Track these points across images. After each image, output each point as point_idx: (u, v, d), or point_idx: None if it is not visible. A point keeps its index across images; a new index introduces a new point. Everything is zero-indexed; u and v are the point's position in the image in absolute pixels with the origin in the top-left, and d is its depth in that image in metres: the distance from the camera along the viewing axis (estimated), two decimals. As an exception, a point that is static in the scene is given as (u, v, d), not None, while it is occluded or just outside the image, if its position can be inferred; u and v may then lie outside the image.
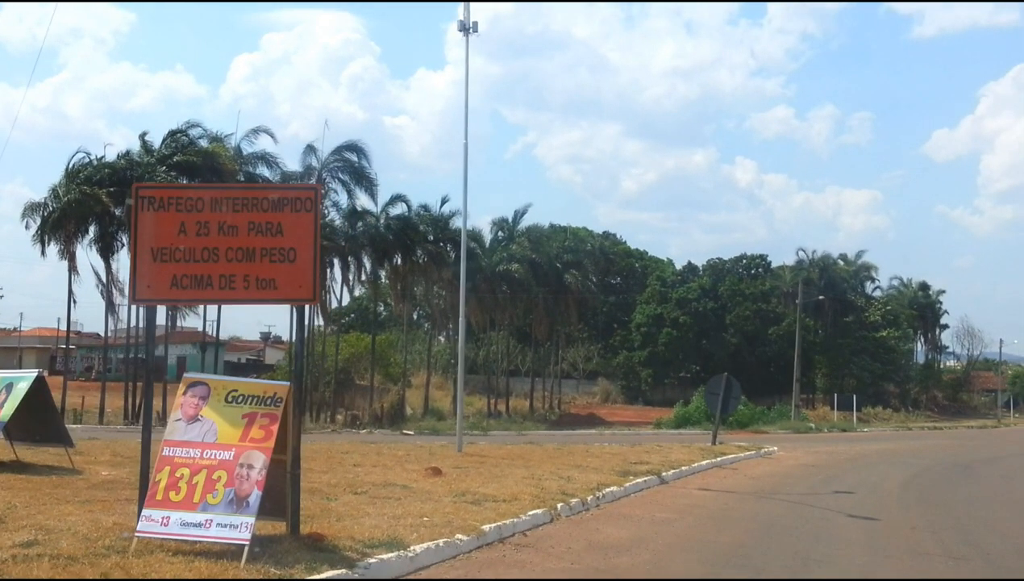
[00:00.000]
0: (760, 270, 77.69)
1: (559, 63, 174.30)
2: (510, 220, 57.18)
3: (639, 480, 15.45)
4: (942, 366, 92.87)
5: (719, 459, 21.74)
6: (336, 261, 47.69)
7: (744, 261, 78.01)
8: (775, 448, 27.68)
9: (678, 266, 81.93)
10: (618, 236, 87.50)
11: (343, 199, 47.97)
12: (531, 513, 10.64)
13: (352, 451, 17.89)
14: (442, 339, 72.13)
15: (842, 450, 30.79)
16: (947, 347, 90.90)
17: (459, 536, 8.70)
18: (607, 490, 13.58)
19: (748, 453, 24.78)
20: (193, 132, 42.60)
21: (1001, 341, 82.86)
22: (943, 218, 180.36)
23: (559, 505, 11.52)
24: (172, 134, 42.59)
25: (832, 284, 73.67)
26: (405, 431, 32.70)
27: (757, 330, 71.36)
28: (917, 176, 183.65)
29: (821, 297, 66.27)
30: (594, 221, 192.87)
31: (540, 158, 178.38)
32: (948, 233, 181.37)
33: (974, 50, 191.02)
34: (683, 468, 18.63)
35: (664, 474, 17.03)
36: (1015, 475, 24.22)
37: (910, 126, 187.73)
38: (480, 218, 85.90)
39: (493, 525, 9.51)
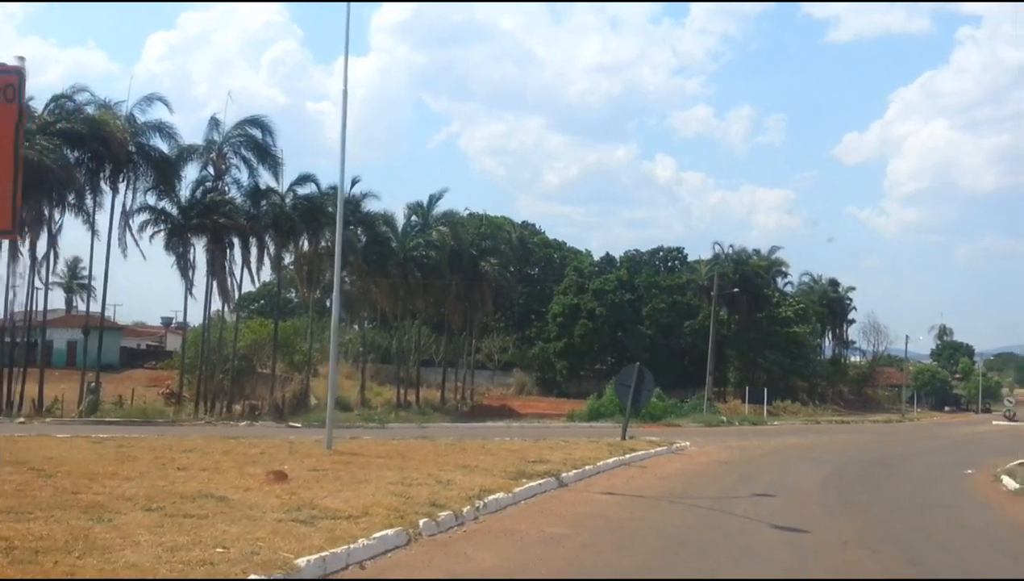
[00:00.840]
0: (676, 263, 76.47)
1: (484, 54, 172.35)
2: (425, 204, 54.27)
3: (533, 484, 13.02)
4: (848, 361, 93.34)
5: (627, 456, 19.51)
6: (236, 242, 44.17)
7: (661, 253, 76.65)
8: (687, 443, 25.69)
9: (596, 258, 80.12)
10: (537, 226, 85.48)
11: (246, 177, 44.50)
12: (380, 534, 8.07)
13: (199, 448, 14.86)
14: (356, 327, 68.91)
15: (755, 445, 29.06)
16: (854, 342, 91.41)
17: (252, 578, 6.06)
18: (491, 498, 11.10)
19: (659, 449, 22.66)
20: (80, 97, 38.61)
21: (907, 337, 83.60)
22: (852, 219, 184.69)
23: (422, 522, 8.97)
24: (56, 99, 38.53)
25: (746, 278, 72.77)
26: (292, 423, 29.64)
27: (672, 323, 70.00)
28: (828, 178, 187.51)
29: (736, 290, 65.18)
30: (516, 213, 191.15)
31: (464, 149, 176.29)
32: (857, 233, 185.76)
33: (886, 56, 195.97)
34: (587, 467, 16.30)
35: (564, 475, 14.66)
36: (936, 474, 22.65)
37: (822, 129, 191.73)
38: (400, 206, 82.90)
39: (316, 556, 6.91)
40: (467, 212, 66.85)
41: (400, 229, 53.07)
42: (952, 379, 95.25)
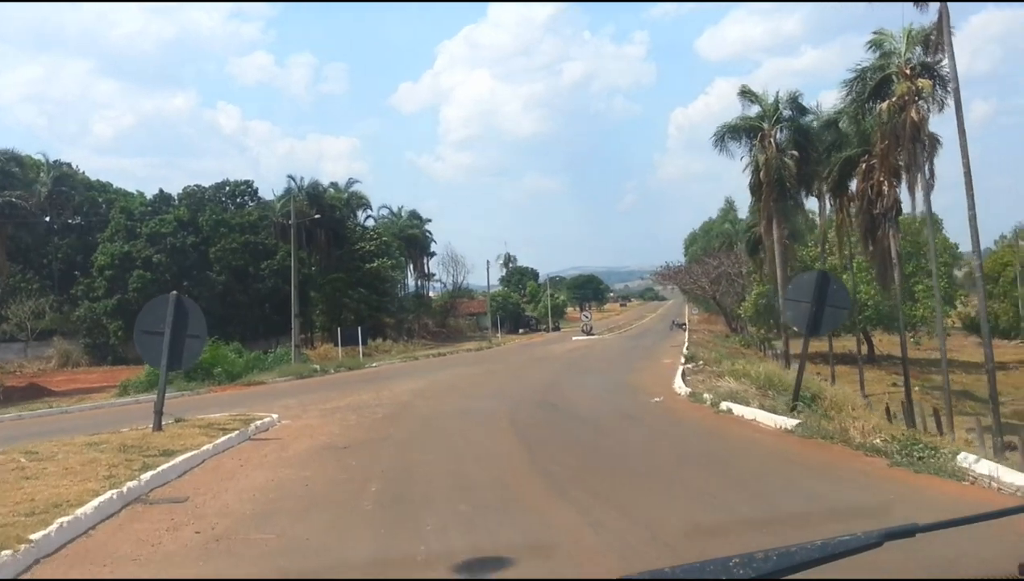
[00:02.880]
0: (247, 199, 63.94)
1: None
2: None
3: None
4: (430, 295, 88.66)
5: (146, 477, 8.63)
6: None
7: (228, 188, 63.36)
8: (274, 416, 15.29)
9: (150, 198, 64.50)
10: (74, 165, 67.18)
11: None
12: None
13: None
14: None
15: (369, 400, 19.58)
16: (434, 274, 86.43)
17: None
18: None
19: (225, 438, 11.97)
20: None
21: (488, 262, 79.83)
22: (412, 165, 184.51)
23: None
24: None
25: (324, 213, 63.27)
26: None
27: (247, 265, 57.92)
28: (389, 125, 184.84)
29: (316, 217, 55.04)
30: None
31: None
32: (417, 178, 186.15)
33: (432, 8, 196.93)
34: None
35: None
36: (637, 413, 15.02)
37: (380, 78, 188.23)
38: None
39: None
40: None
41: None
42: (522, 302, 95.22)
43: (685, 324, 70.19)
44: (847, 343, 55.04)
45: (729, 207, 77.10)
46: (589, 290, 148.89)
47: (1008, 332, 46.57)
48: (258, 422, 14.00)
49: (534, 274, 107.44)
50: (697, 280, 66.73)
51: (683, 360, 31.01)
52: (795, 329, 16.11)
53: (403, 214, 77.78)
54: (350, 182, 68.89)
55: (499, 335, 73.10)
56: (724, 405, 14.37)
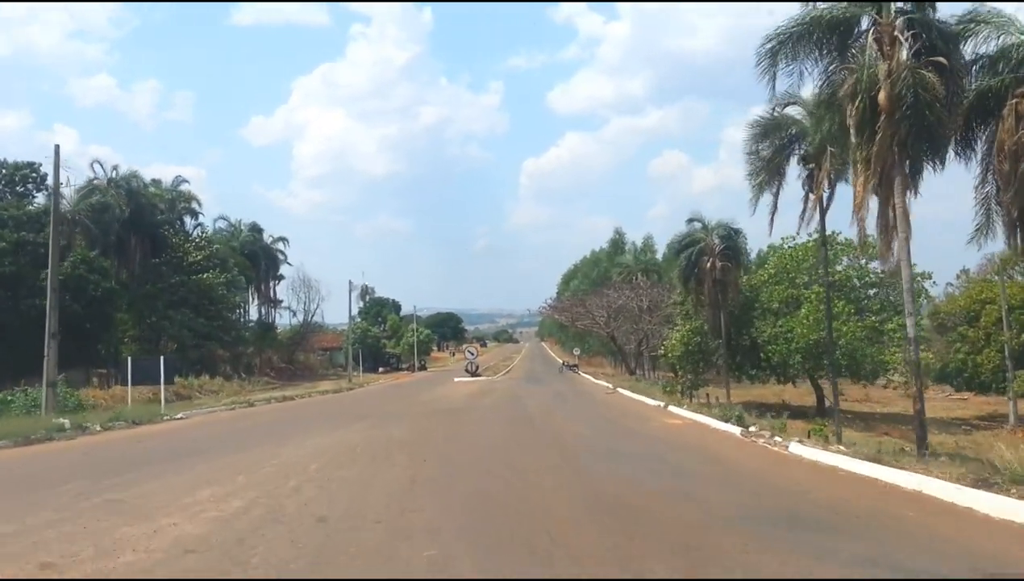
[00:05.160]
0: (30, 187, 45.40)
1: None
2: None
3: None
4: (276, 330, 71.15)
5: None
6: None
7: (5, 172, 44.60)
8: None
9: None
10: None
11: None
12: None
13: None
14: None
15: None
16: (282, 301, 68.98)
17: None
18: None
19: None
20: None
21: (351, 282, 63.59)
22: (262, 198, 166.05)
23: None
24: None
25: (142, 214, 46.18)
26: None
27: (21, 272, 39.75)
28: (237, 157, 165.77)
29: (118, 207, 37.93)
30: None
31: None
32: (267, 212, 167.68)
33: (288, 44, 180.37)
34: None
35: None
36: None
37: (230, 110, 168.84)
38: None
39: None
40: None
41: None
42: (382, 338, 79.46)
43: (576, 366, 57.67)
44: (766, 391, 43.89)
45: (619, 238, 65.74)
46: (448, 329, 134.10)
47: (989, 385, 36.28)
48: None
49: (395, 306, 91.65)
50: (593, 314, 54.23)
51: (725, 422, 17.55)
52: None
53: (243, 228, 60.76)
54: (177, 180, 51.80)
55: (359, 374, 57.28)
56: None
